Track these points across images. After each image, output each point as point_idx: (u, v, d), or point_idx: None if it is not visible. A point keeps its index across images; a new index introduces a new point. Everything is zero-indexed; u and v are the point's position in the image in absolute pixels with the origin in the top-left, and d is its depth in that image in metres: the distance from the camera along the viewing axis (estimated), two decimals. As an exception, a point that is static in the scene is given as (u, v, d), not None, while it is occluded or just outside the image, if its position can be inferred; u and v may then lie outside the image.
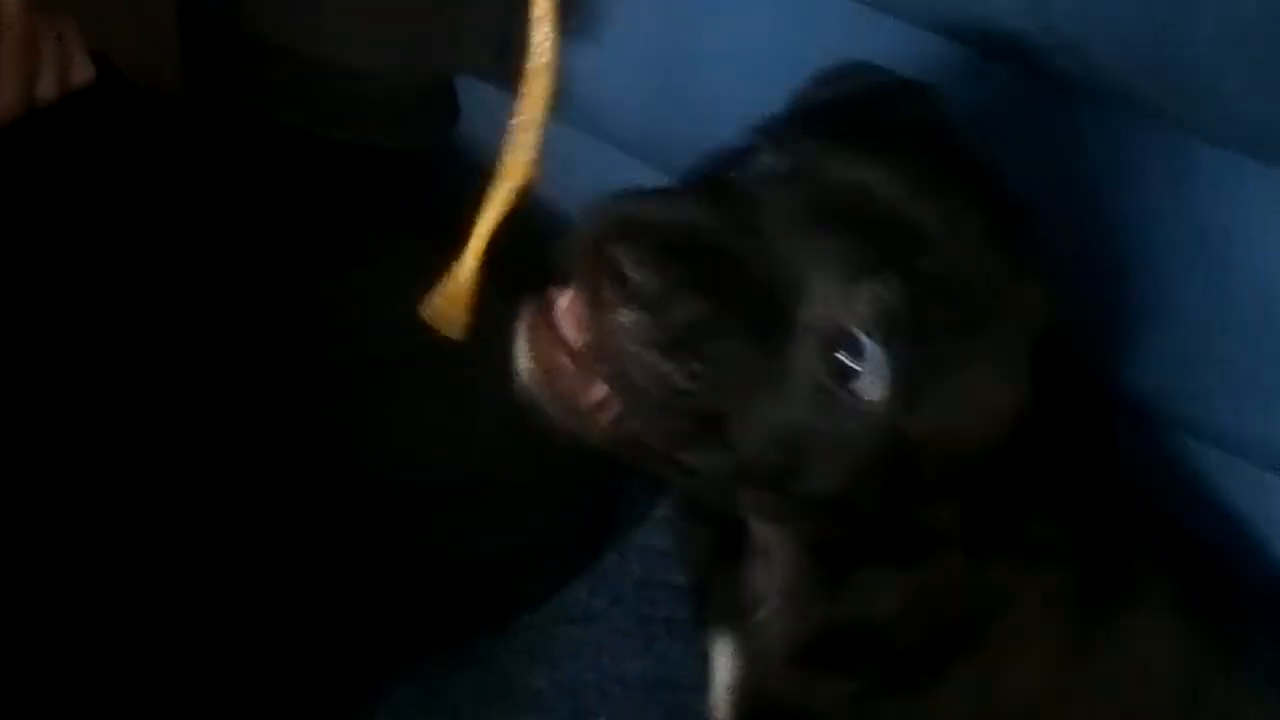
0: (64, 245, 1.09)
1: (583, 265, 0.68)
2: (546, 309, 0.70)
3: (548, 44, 0.79)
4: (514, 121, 0.79)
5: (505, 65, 1.09)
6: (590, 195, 1.21)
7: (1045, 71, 0.93)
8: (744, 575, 0.85)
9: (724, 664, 0.89)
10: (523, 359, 0.71)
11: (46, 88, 1.05)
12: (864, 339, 0.67)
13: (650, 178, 1.13)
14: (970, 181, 0.72)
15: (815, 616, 0.82)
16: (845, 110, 0.76)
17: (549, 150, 1.23)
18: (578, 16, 1.13)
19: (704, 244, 0.67)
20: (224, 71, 1.14)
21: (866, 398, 0.68)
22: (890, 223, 0.67)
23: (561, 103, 1.18)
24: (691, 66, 1.09)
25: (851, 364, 0.67)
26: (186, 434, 1.08)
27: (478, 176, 1.25)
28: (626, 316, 0.66)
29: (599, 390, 0.69)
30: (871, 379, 0.67)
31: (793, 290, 0.67)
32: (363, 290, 1.13)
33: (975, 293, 0.69)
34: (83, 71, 1.06)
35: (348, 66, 1.10)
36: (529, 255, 1.16)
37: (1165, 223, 0.95)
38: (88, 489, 1.04)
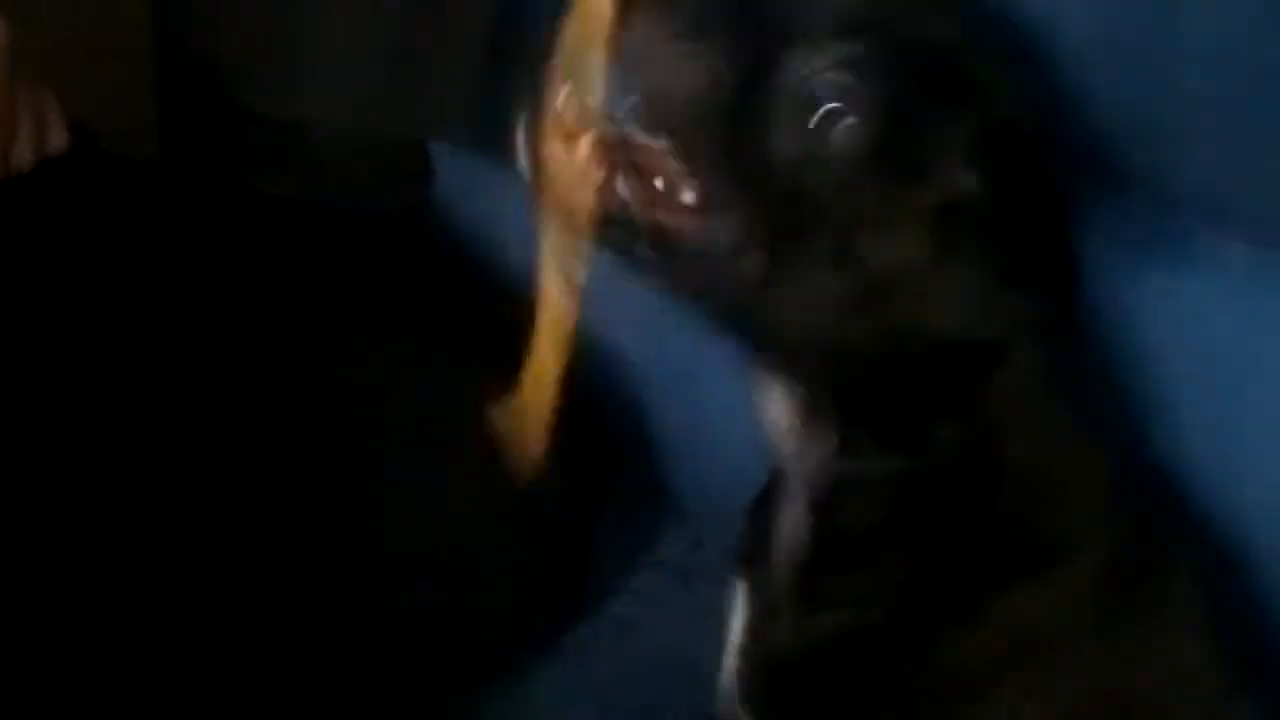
0: (40, 313, 1.09)
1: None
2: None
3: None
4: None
5: (479, 132, 1.10)
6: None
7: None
8: (772, 524, 0.87)
9: (740, 615, 0.90)
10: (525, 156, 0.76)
11: (22, 154, 1.05)
12: (843, 83, 0.72)
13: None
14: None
15: (829, 534, 0.83)
16: None
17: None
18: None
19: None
20: (199, 137, 1.14)
21: (842, 137, 0.73)
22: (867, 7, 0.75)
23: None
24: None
25: (830, 104, 0.73)
26: (165, 497, 1.07)
27: (451, 239, 1.26)
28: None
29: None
30: (846, 123, 0.73)
31: (778, 48, 0.73)
32: (339, 357, 1.13)
33: (945, 72, 0.75)
34: (59, 138, 1.07)
35: (319, 130, 1.11)
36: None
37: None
38: (70, 550, 1.04)
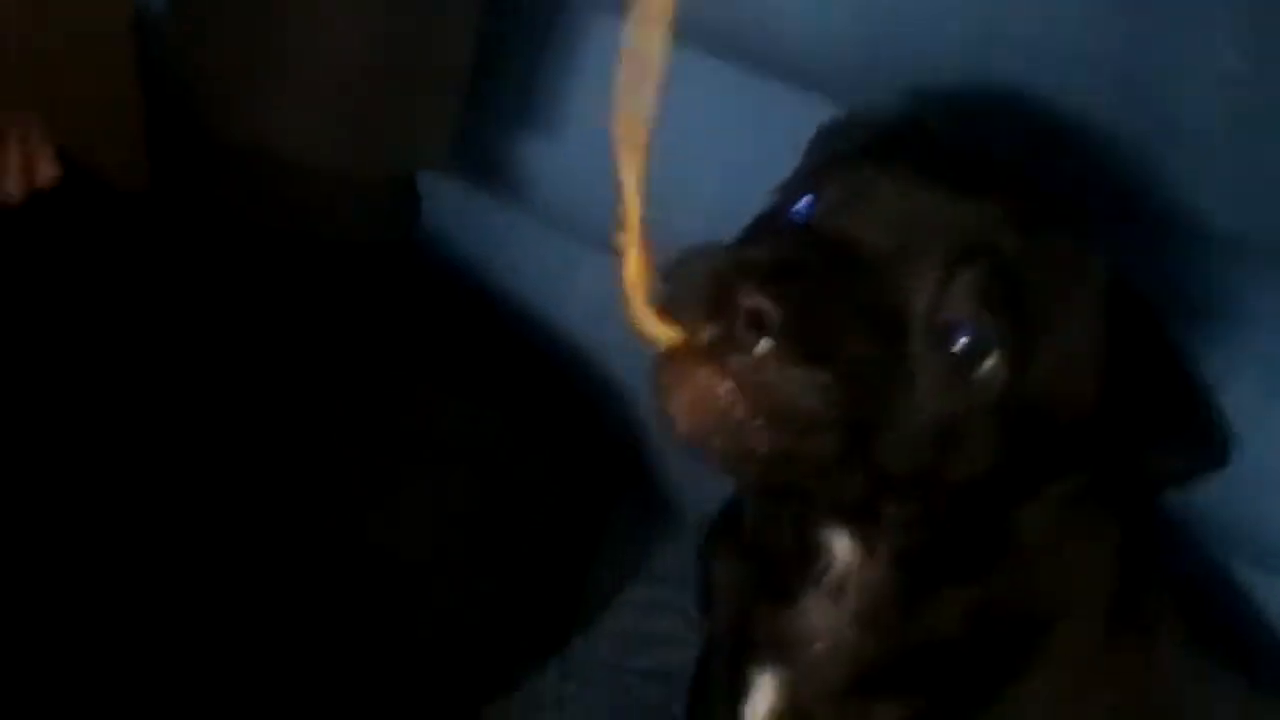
0: (32, 347, 1.10)
1: (707, 307, 0.71)
2: (679, 362, 0.73)
3: None
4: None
5: (462, 160, 1.10)
6: (551, 289, 1.23)
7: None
8: (795, 610, 0.88)
9: (763, 703, 0.90)
10: (675, 413, 0.73)
11: (12, 187, 1.05)
12: (972, 320, 0.73)
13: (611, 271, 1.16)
14: (1008, 181, 0.79)
15: (888, 641, 0.85)
16: (873, 145, 0.82)
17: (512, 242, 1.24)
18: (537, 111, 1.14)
19: (810, 271, 0.72)
20: (189, 169, 1.14)
21: (986, 373, 0.74)
22: (960, 222, 0.75)
23: (525, 196, 1.20)
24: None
25: (967, 345, 0.74)
26: (167, 518, 1.07)
27: (440, 270, 1.27)
28: (766, 346, 0.70)
29: (751, 425, 0.72)
30: (987, 354, 0.74)
31: (900, 296, 0.73)
32: (328, 382, 1.14)
33: (1054, 269, 0.76)
34: (49, 170, 1.07)
35: (306, 164, 1.11)
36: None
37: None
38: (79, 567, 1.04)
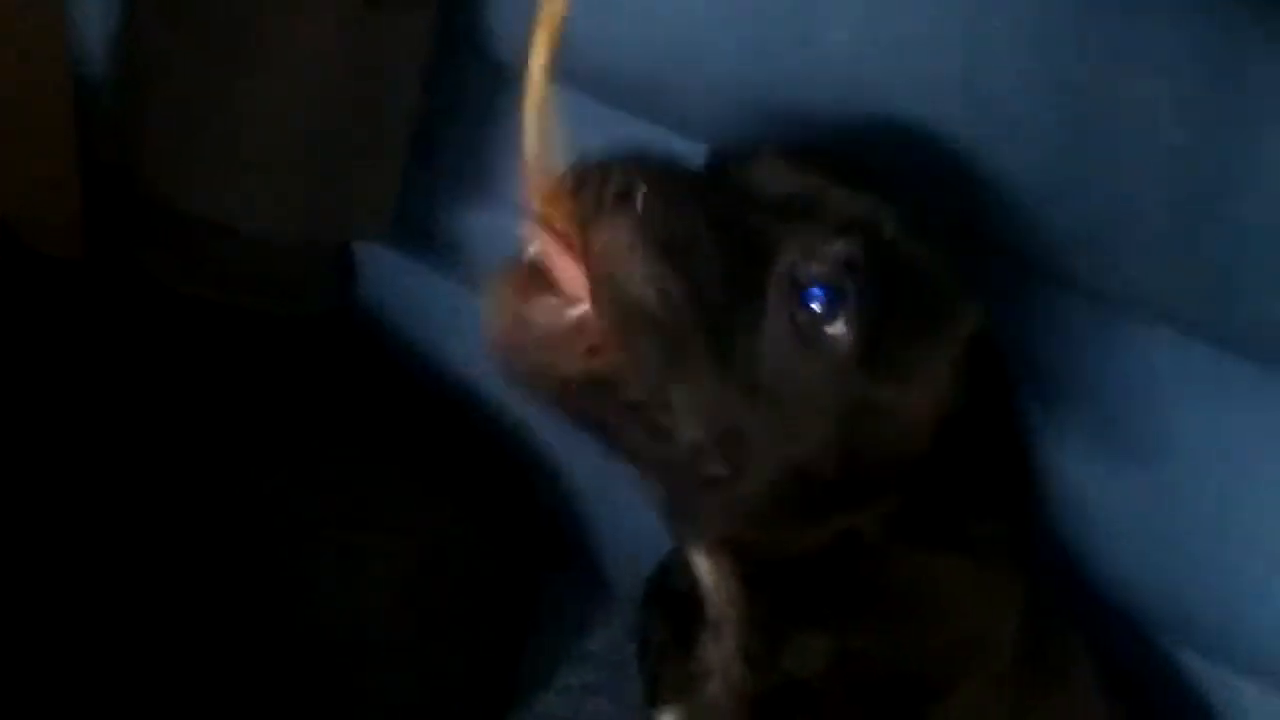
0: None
1: (586, 182, 0.72)
2: (522, 268, 0.74)
3: None
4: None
5: (399, 230, 1.11)
6: (486, 363, 1.23)
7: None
8: (694, 651, 0.88)
9: None
10: (494, 310, 0.74)
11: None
12: (832, 283, 0.73)
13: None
14: (908, 202, 0.79)
15: (768, 679, 0.85)
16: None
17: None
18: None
19: (694, 183, 0.74)
20: (124, 238, 1.14)
21: (835, 339, 0.73)
22: (849, 205, 0.76)
23: (461, 266, 1.20)
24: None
25: (821, 309, 0.73)
26: (93, 610, 1.06)
27: (375, 341, 1.27)
28: (626, 217, 0.70)
29: (579, 317, 0.72)
30: (840, 322, 0.73)
31: (772, 242, 0.74)
32: (259, 454, 1.13)
33: (924, 281, 0.77)
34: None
35: (242, 234, 1.11)
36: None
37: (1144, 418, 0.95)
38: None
